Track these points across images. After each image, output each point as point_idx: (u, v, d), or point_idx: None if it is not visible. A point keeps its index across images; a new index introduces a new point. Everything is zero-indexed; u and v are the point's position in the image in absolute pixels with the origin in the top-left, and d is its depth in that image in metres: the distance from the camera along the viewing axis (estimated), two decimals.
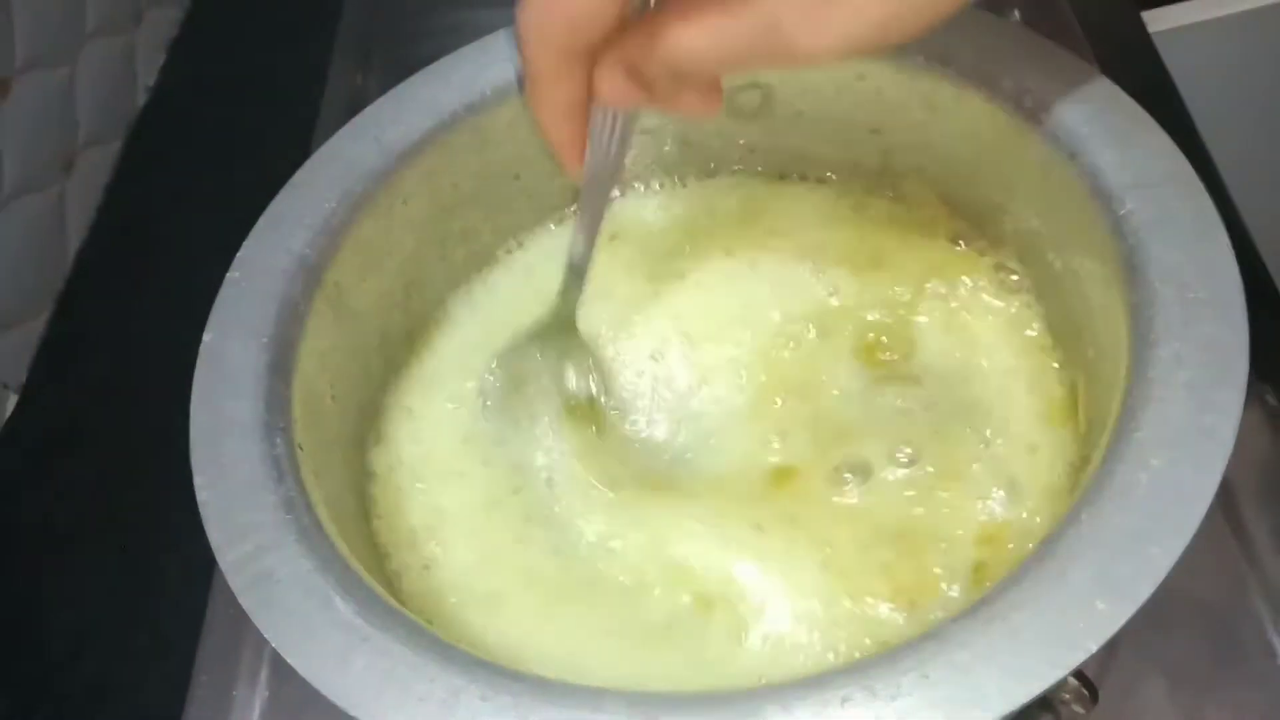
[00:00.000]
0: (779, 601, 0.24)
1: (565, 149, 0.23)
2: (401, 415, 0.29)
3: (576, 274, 0.27)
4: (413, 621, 0.20)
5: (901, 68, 0.27)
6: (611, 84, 0.21)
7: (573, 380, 0.28)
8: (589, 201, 0.25)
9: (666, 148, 0.32)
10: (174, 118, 0.49)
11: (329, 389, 0.26)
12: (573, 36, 0.21)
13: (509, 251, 0.32)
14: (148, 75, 0.50)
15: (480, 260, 0.32)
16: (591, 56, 0.21)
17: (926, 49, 0.27)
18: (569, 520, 0.26)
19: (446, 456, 0.28)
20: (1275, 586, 0.28)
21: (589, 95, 0.22)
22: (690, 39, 0.19)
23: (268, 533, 0.21)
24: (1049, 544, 0.19)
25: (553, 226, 0.32)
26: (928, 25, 0.19)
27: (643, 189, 0.32)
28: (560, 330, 0.28)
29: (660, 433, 0.28)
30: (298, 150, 0.29)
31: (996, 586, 0.19)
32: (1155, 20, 0.44)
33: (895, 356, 0.28)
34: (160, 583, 0.34)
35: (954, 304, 0.29)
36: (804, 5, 0.18)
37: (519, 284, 0.31)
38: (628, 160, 0.24)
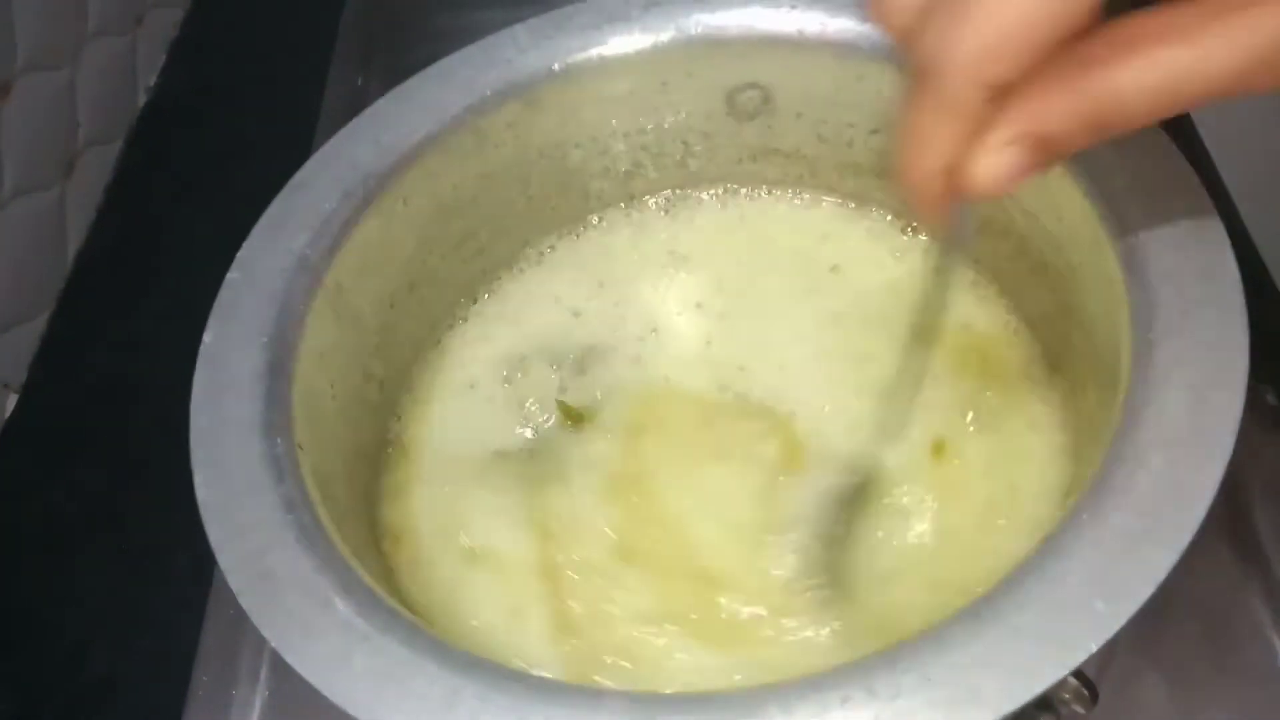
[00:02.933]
0: None
1: (938, 211, 0.18)
2: (402, 415, 0.29)
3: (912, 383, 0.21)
4: (412, 621, 0.20)
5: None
6: (1005, 159, 0.16)
7: None
8: (925, 322, 0.20)
9: (668, 149, 0.32)
10: (174, 119, 0.49)
11: (329, 389, 0.26)
12: (1020, 65, 0.15)
13: (509, 252, 0.32)
14: (148, 76, 0.50)
15: (481, 261, 0.32)
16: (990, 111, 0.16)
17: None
18: (580, 515, 0.26)
19: (448, 456, 0.28)
20: (1275, 587, 0.28)
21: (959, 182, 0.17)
22: (1147, 76, 0.15)
23: (268, 532, 0.21)
24: (1049, 544, 0.19)
25: (553, 227, 0.32)
26: None
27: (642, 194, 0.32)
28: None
29: None
30: (298, 151, 0.29)
31: (997, 586, 0.19)
32: None
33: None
34: (161, 582, 0.34)
35: (952, 304, 0.29)
36: None
37: (520, 284, 0.32)
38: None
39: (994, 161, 0.16)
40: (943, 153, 0.17)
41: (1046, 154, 0.16)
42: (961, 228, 0.19)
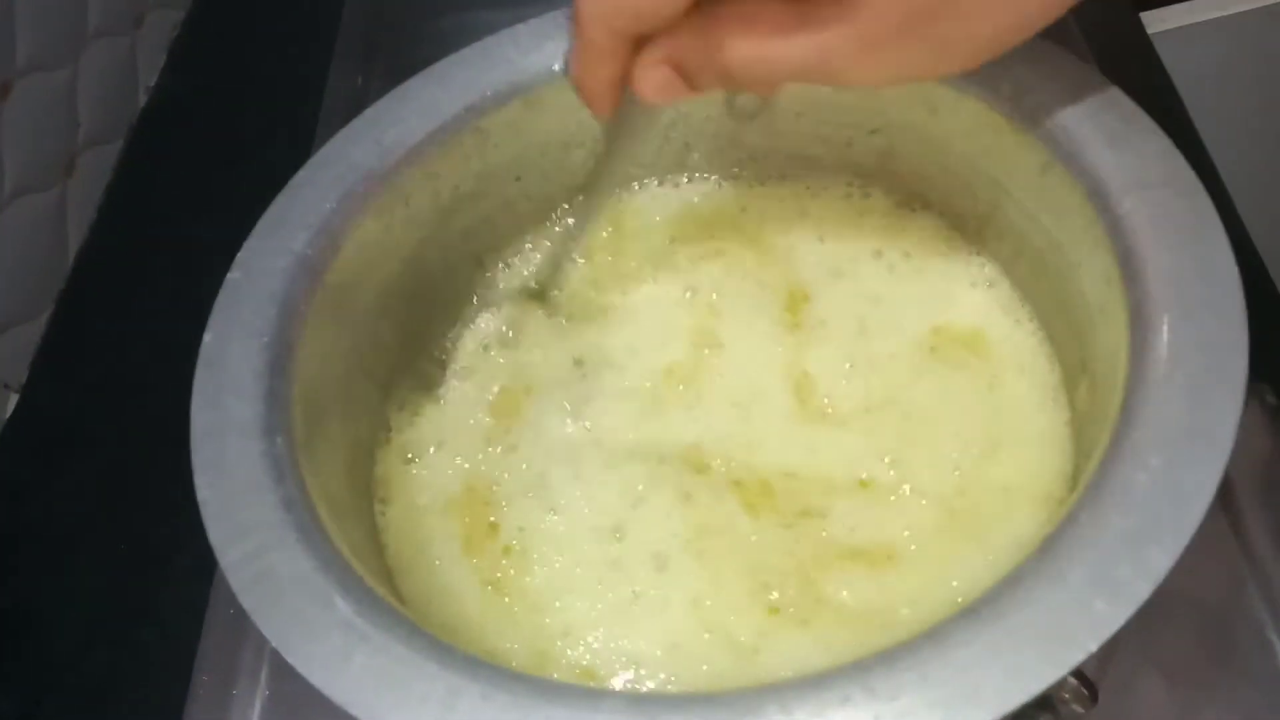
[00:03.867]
0: None
1: (606, 111, 0.23)
2: (402, 415, 0.29)
3: (559, 258, 0.27)
4: (413, 621, 0.20)
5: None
6: (655, 79, 0.21)
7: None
8: (598, 187, 0.26)
9: (666, 147, 0.32)
10: (175, 119, 0.49)
11: (329, 389, 0.26)
12: (636, 23, 0.21)
13: (510, 252, 0.32)
14: (149, 76, 0.50)
15: (481, 261, 0.32)
16: (641, 42, 0.21)
17: None
18: (577, 508, 0.26)
19: (448, 455, 0.28)
20: (1274, 586, 0.28)
21: (628, 81, 0.22)
22: (746, 52, 0.20)
23: (268, 532, 0.21)
24: (1048, 544, 0.19)
25: (554, 227, 0.32)
26: (967, 68, 0.21)
27: (639, 188, 0.32)
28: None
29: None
30: (298, 151, 0.29)
31: (996, 586, 0.19)
32: (1154, 21, 0.44)
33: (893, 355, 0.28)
34: (161, 582, 0.34)
35: (951, 304, 0.29)
36: (854, 47, 0.20)
37: (520, 284, 0.32)
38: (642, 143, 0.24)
39: (646, 76, 0.21)
40: (599, 76, 0.22)
41: (685, 81, 0.21)
42: (625, 124, 0.24)
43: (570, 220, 0.27)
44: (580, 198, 0.27)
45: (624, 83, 0.22)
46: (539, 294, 0.30)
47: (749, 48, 0.20)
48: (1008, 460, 0.26)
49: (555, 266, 0.28)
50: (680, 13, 0.20)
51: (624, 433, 0.28)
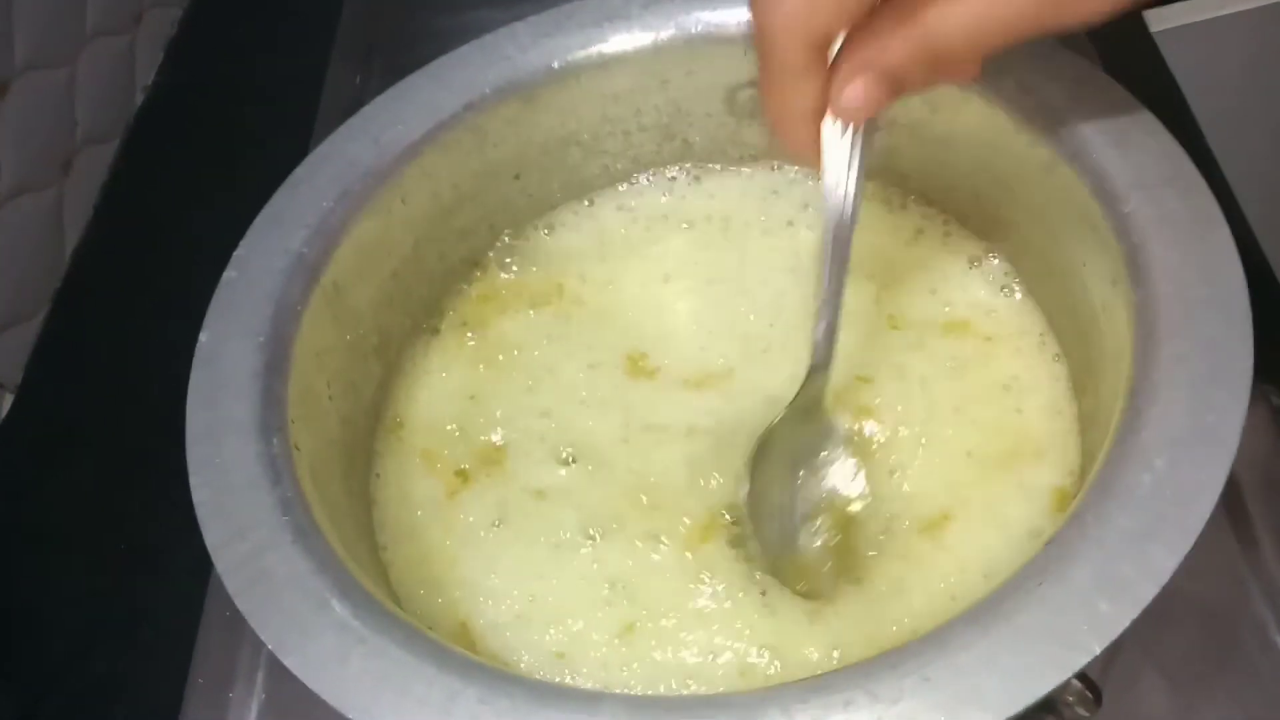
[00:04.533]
0: None
1: (810, 149, 0.21)
2: (400, 415, 0.29)
3: (826, 350, 0.23)
4: (410, 623, 0.20)
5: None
6: (858, 91, 0.19)
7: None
8: (839, 241, 0.22)
9: (668, 147, 0.32)
10: (172, 118, 0.49)
11: (326, 389, 0.26)
12: (837, 17, 0.18)
13: (508, 251, 0.32)
14: (146, 75, 0.50)
15: (480, 260, 0.31)
16: (837, 55, 0.19)
17: None
18: (574, 513, 0.26)
19: (447, 456, 0.28)
20: (1278, 587, 0.27)
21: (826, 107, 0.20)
22: (966, 16, 0.18)
23: (264, 533, 0.21)
24: (1053, 545, 0.19)
25: (554, 227, 0.32)
26: None
27: (643, 183, 0.32)
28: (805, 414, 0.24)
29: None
30: (296, 150, 0.29)
31: (1000, 588, 0.19)
32: (1157, 19, 0.44)
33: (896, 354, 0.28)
34: (157, 583, 0.34)
35: (955, 303, 0.28)
36: None
37: (519, 283, 0.31)
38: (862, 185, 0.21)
39: (847, 91, 0.19)
40: (798, 105, 0.20)
41: (891, 85, 0.19)
42: (843, 187, 0.21)
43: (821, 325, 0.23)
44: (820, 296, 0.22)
45: (823, 114, 0.20)
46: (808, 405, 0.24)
47: (965, 10, 0.18)
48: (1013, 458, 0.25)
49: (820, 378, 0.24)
50: (869, 3, 0.18)
51: (627, 431, 0.28)
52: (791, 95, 0.20)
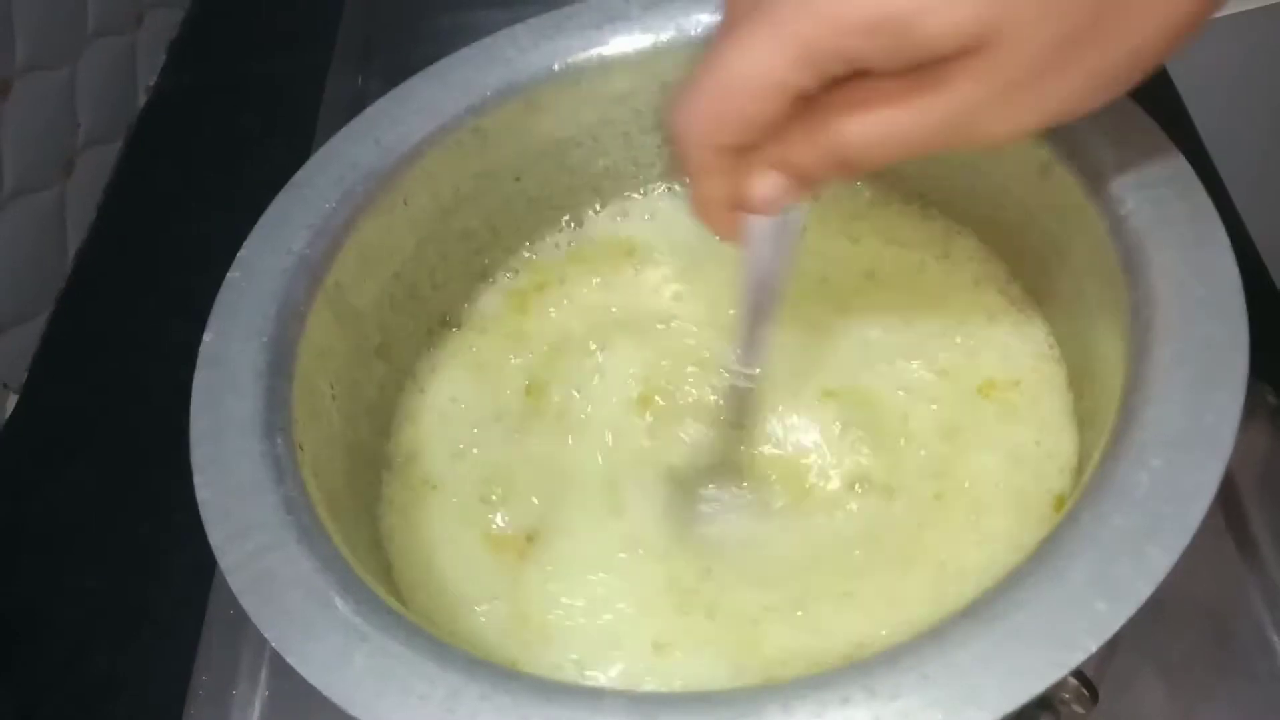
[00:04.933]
0: None
1: (732, 235, 0.22)
2: (402, 415, 0.29)
3: (739, 414, 0.24)
4: (413, 622, 0.20)
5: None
6: (769, 187, 0.20)
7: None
8: (753, 315, 0.23)
9: (669, 149, 0.32)
10: (174, 118, 0.49)
11: (329, 389, 0.26)
12: (739, 133, 0.19)
13: (509, 252, 0.32)
14: (148, 76, 0.50)
15: (481, 261, 0.32)
16: (750, 152, 0.20)
17: None
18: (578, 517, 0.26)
19: (448, 456, 0.28)
20: (1275, 586, 0.28)
21: (744, 199, 0.21)
22: (868, 134, 0.19)
23: (268, 533, 0.21)
24: (1049, 544, 0.19)
25: (554, 227, 0.32)
26: (1112, 96, 0.19)
27: (642, 196, 0.32)
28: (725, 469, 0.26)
29: None
30: (298, 151, 0.29)
31: (996, 586, 0.19)
32: None
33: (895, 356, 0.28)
34: (161, 582, 0.34)
35: (952, 303, 0.29)
36: (989, 98, 0.18)
37: (520, 284, 0.31)
38: (790, 263, 0.22)
39: (759, 186, 0.20)
40: (712, 197, 0.21)
41: (799, 182, 0.20)
42: (767, 262, 0.22)
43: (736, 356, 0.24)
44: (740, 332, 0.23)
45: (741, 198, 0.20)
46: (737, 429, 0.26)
47: (869, 126, 0.19)
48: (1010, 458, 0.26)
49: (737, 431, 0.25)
50: (783, 113, 0.19)
51: (631, 434, 0.28)
52: (706, 189, 0.21)
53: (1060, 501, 0.24)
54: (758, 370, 0.24)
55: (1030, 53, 0.17)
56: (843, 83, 0.19)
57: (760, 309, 0.23)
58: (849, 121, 0.19)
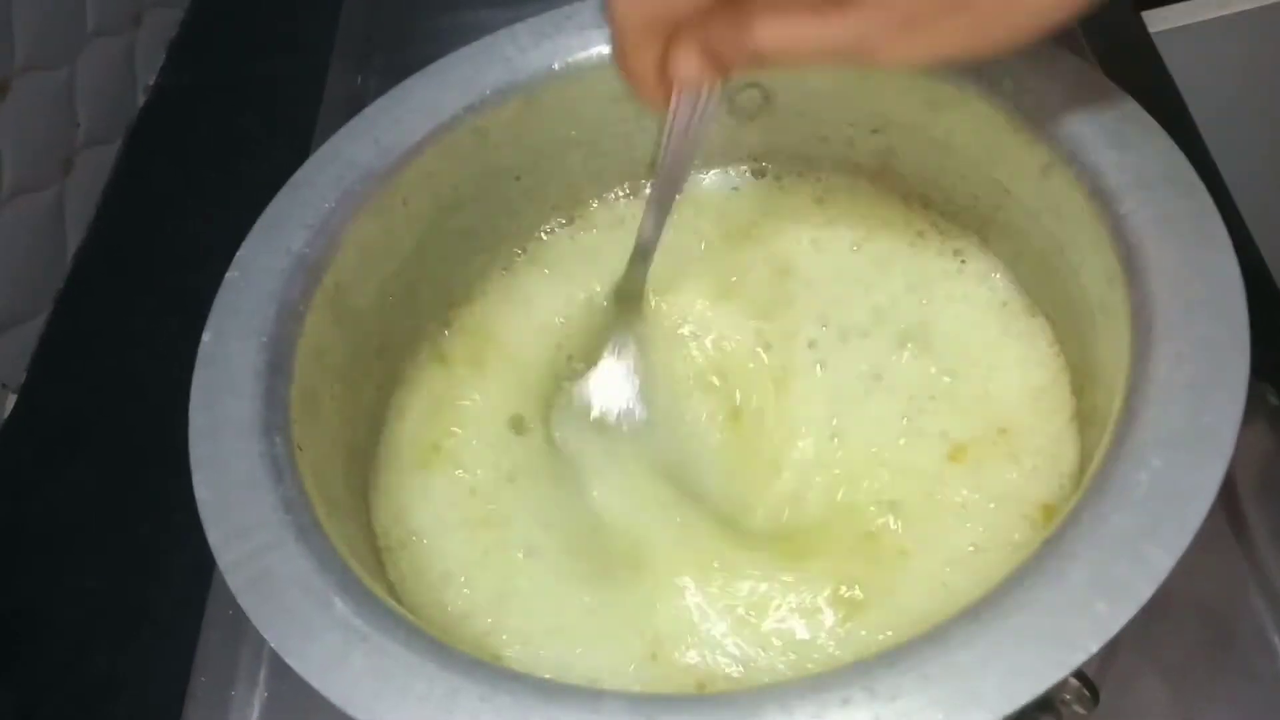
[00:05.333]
0: None
1: (660, 105, 0.23)
2: (402, 415, 0.29)
3: (644, 253, 0.27)
4: (411, 621, 0.20)
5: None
6: (689, 64, 0.21)
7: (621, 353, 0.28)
8: (666, 179, 0.25)
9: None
10: (173, 118, 0.49)
11: (328, 389, 0.26)
12: (666, 11, 0.21)
13: (509, 252, 0.32)
14: (147, 75, 0.50)
15: (481, 261, 0.32)
16: (676, 31, 0.21)
17: None
18: (576, 510, 0.26)
19: (449, 454, 0.28)
20: (1276, 587, 0.28)
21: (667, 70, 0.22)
22: (780, 36, 0.20)
23: (267, 532, 0.21)
24: (1050, 544, 0.19)
25: (554, 227, 0.32)
26: (1005, 46, 0.20)
27: (644, 186, 0.32)
28: (622, 306, 0.28)
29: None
30: (297, 151, 0.29)
31: (997, 587, 0.19)
32: (1155, 20, 0.44)
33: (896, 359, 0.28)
34: (160, 582, 0.34)
35: (954, 304, 0.29)
36: (890, 27, 0.19)
37: (520, 284, 0.31)
38: (705, 136, 0.24)
39: (682, 62, 0.22)
40: (640, 64, 0.22)
41: (718, 67, 0.22)
42: (682, 134, 0.24)
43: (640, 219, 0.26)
44: (647, 192, 0.26)
45: (666, 72, 0.22)
46: (629, 296, 0.29)
47: (781, 30, 0.20)
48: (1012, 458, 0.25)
49: (639, 265, 0.28)
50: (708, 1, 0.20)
51: (627, 426, 0.28)
52: (635, 62, 0.22)
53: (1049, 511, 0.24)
54: (660, 230, 0.26)
55: None
56: None
57: (671, 177, 0.25)
58: (767, 24, 0.20)
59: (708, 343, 0.30)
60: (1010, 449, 0.26)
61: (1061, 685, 0.18)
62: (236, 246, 0.26)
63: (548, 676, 0.20)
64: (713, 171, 0.32)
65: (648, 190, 0.27)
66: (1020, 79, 0.26)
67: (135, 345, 0.40)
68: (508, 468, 0.28)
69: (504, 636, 0.25)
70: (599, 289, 0.31)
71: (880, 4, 0.19)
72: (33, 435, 0.39)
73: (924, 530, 0.25)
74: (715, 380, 0.29)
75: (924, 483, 0.25)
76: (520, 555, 0.26)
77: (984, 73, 0.26)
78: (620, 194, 0.32)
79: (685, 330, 0.30)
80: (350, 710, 0.19)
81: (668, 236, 0.27)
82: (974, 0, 0.19)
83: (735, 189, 0.32)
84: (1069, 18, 0.19)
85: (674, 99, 0.23)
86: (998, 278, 0.29)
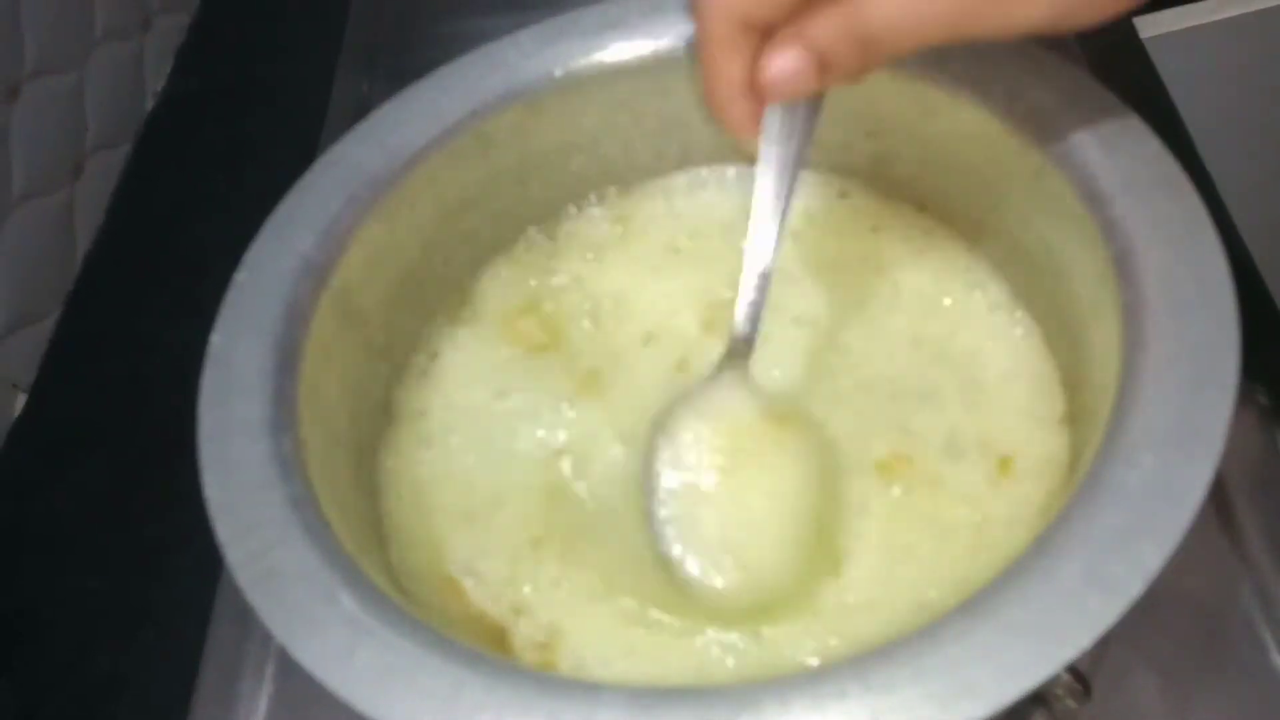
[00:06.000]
0: None
1: (742, 128, 0.21)
2: (407, 415, 0.29)
3: (755, 307, 0.23)
4: (417, 617, 0.21)
5: (896, 73, 0.28)
6: (784, 65, 0.19)
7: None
8: (766, 208, 0.22)
9: (669, 154, 0.32)
10: (182, 123, 0.49)
11: (335, 389, 0.26)
12: (766, 6, 0.19)
13: (512, 254, 0.32)
14: (156, 81, 0.51)
15: (484, 264, 0.32)
16: (769, 33, 0.19)
17: (921, 54, 0.27)
18: (587, 512, 0.26)
19: (452, 455, 0.29)
20: (1265, 583, 0.28)
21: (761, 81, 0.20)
22: (896, 11, 0.18)
23: (274, 529, 0.22)
24: (1042, 541, 0.20)
25: (555, 234, 0.33)
26: (1113, 13, 0.19)
27: (644, 190, 0.33)
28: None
29: None
30: (304, 155, 0.29)
31: (991, 584, 0.19)
32: (1146, 25, 0.45)
33: (888, 358, 0.28)
34: (168, 579, 0.34)
35: (946, 306, 0.29)
36: None
37: (521, 287, 0.32)
38: (807, 156, 0.21)
39: (775, 64, 0.19)
40: (730, 80, 0.20)
41: (819, 63, 0.19)
42: (783, 151, 0.21)
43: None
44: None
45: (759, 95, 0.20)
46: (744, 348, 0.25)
47: (893, 5, 0.18)
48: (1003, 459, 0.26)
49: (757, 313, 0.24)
50: None
51: (627, 427, 0.28)
52: (723, 66, 0.20)
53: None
54: (771, 268, 0.23)
55: None
56: None
57: (773, 204, 0.22)
58: (871, 4, 0.18)
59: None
60: (1001, 448, 0.26)
61: (1054, 680, 0.18)
62: (244, 249, 0.26)
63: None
64: (709, 173, 0.33)
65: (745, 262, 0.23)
66: (1013, 84, 0.26)
67: (144, 346, 0.41)
68: None
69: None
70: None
71: None
72: (43, 434, 0.39)
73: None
74: None
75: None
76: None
77: (977, 78, 0.26)
78: (620, 196, 0.33)
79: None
80: (355, 704, 0.19)
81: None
82: None
83: (731, 190, 0.33)
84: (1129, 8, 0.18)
85: (765, 118, 0.20)
86: (990, 280, 0.29)
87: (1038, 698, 0.22)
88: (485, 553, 0.26)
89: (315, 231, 0.26)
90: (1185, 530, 0.19)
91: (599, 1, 0.30)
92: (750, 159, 0.32)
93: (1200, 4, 0.46)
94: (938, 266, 0.30)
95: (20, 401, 0.40)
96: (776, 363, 0.28)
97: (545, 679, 0.20)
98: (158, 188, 0.47)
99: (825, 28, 0.19)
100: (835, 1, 0.19)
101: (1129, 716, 0.26)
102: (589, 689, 0.20)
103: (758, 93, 0.20)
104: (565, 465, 0.28)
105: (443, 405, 0.29)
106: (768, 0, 0.19)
